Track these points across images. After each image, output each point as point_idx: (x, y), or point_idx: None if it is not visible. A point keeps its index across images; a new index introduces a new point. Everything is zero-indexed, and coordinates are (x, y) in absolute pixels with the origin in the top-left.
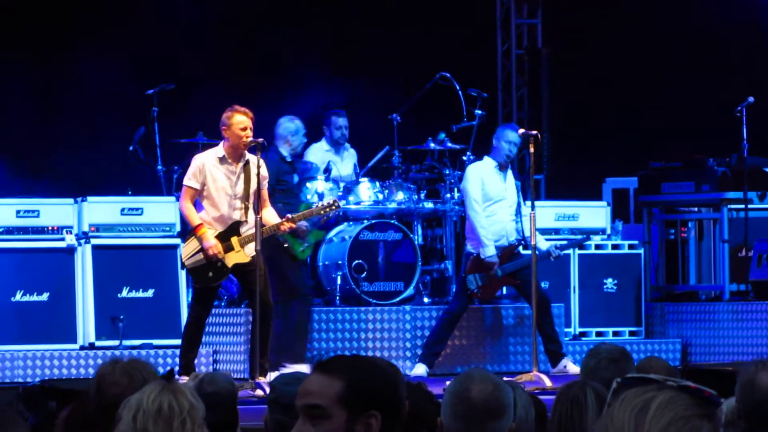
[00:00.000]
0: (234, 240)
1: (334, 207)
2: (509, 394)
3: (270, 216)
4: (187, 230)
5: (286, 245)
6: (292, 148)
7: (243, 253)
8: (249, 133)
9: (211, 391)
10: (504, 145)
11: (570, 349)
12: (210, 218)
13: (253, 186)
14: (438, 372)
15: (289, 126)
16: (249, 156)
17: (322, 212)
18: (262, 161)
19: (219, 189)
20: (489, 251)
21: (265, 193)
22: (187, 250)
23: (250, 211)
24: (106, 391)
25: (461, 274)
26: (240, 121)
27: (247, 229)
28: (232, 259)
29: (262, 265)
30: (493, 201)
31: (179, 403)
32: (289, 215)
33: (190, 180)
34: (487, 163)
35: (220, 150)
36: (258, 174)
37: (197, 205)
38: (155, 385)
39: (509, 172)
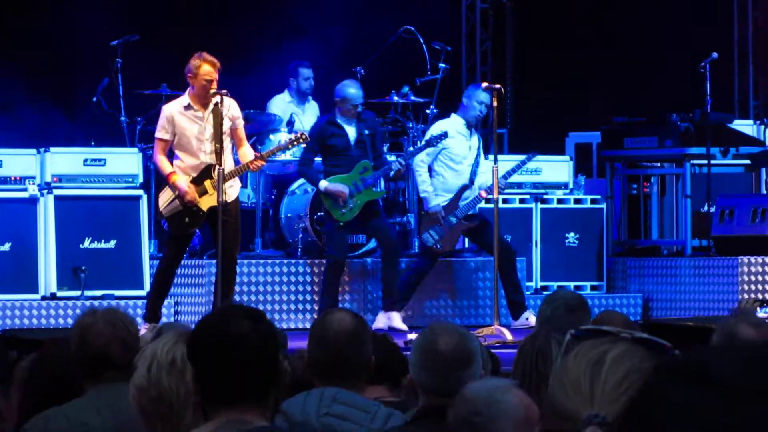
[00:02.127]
0: (207, 183)
1: (301, 139)
2: (475, 342)
3: (248, 153)
4: (157, 184)
5: (325, 206)
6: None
7: (216, 196)
8: (214, 85)
9: None
10: (475, 105)
11: (531, 303)
12: (185, 165)
13: (226, 126)
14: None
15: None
16: (215, 99)
17: (289, 146)
18: (231, 101)
19: (189, 136)
20: (432, 202)
21: (240, 131)
22: (163, 199)
23: (227, 153)
24: (90, 342)
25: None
26: (207, 71)
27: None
28: (206, 203)
29: (236, 214)
30: (457, 160)
31: None
32: (257, 153)
33: (159, 132)
34: (455, 121)
35: (185, 98)
36: (222, 117)
37: (174, 156)
38: (170, 336)
39: (474, 132)
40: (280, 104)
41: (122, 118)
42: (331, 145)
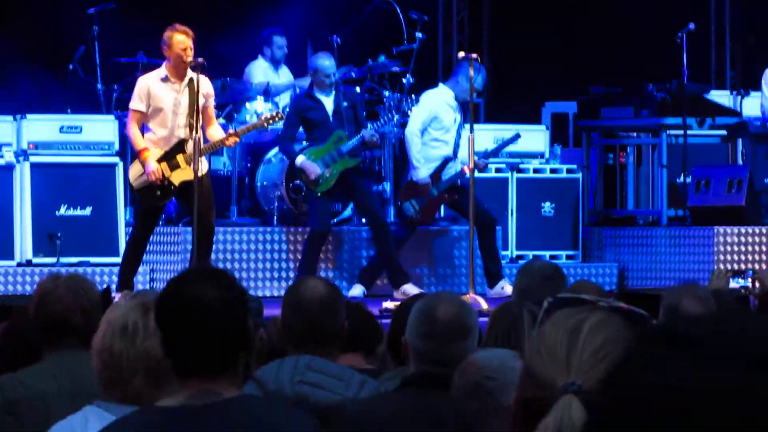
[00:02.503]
0: (180, 158)
1: (277, 118)
2: (475, 316)
3: (216, 132)
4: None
5: (303, 180)
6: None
7: (189, 170)
8: (189, 53)
9: None
10: (463, 82)
11: (507, 272)
12: (157, 138)
13: (198, 103)
14: (375, 293)
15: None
16: (192, 74)
17: (265, 124)
18: (205, 79)
19: (164, 108)
20: (421, 173)
21: (211, 110)
22: (133, 171)
23: (198, 129)
24: (50, 308)
25: (398, 203)
26: (180, 41)
27: (192, 146)
28: (178, 177)
29: (207, 185)
30: (445, 129)
31: (145, 322)
32: (232, 129)
33: (135, 103)
34: (444, 92)
35: (162, 70)
36: (198, 91)
37: (144, 128)
38: (127, 302)
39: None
40: (258, 71)
41: (98, 86)
42: (308, 118)
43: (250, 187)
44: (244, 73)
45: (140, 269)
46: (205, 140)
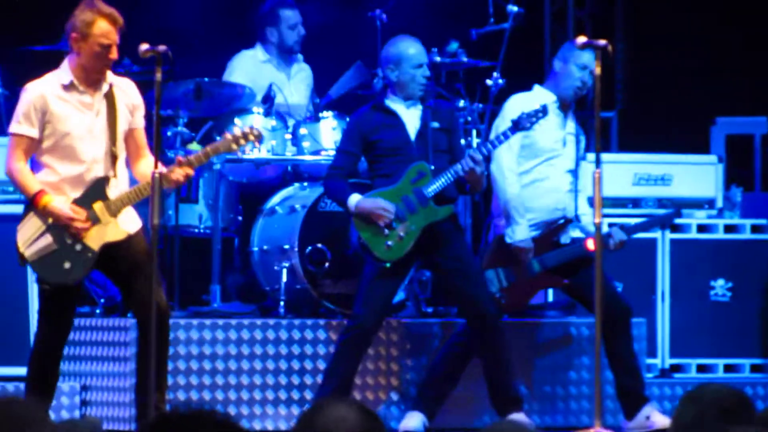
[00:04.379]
0: (99, 207)
1: (251, 137)
2: None
3: (148, 169)
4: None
5: (362, 240)
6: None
7: (116, 226)
8: (114, 52)
9: None
10: (574, 71)
11: (655, 392)
12: (57, 179)
13: (122, 124)
14: (441, 425)
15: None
16: (112, 78)
17: (233, 146)
18: (131, 84)
19: (69, 132)
20: (520, 233)
21: (140, 134)
22: (24, 234)
23: (120, 162)
24: None
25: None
26: (104, 32)
27: (118, 189)
28: (99, 237)
29: (142, 246)
30: (543, 158)
31: None
32: (182, 156)
33: (20, 124)
34: (540, 97)
35: (64, 73)
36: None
37: (34, 165)
38: None
39: (570, 116)
40: (246, 65)
41: None
42: (377, 142)
43: (242, 253)
44: (227, 67)
45: (64, 386)
46: (132, 181)
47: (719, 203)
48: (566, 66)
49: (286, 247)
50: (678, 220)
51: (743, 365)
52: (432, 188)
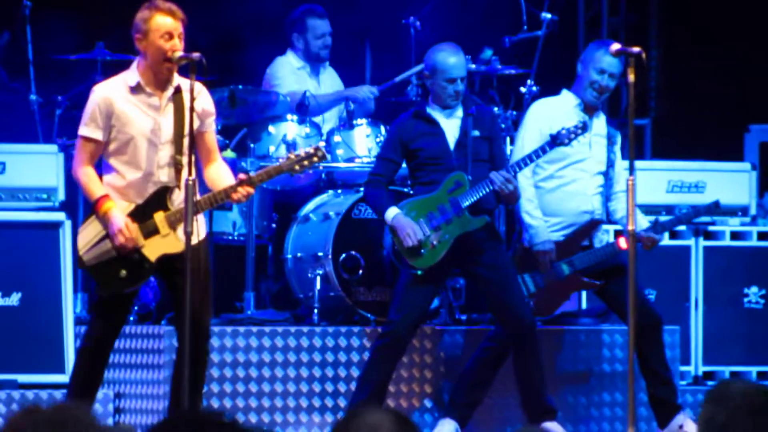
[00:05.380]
0: (160, 217)
1: (315, 159)
2: None
3: (220, 176)
4: (85, 206)
5: (396, 247)
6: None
7: (174, 238)
8: (177, 43)
9: None
10: (593, 75)
11: (689, 399)
12: (125, 183)
13: (194, 125)
14: None
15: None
16: (180, 80)
17: (296, 168)
18: (203, 88)
19: (135, 136)
20: (539, 235)
21: (211, 138)
22: (85, 237)
23: (185, 170)
24: None
25: None
26: (161, 24)
27: (182, 199)
28: (156, 248)
29: (204, 263)
30: (567, 162)
31: None
32: (244, 174)
33: (87, 128)
34: (564, 101)
35: (132, 75)
36: (192, 108)
37: (103, 167)
38: None
39: (600, 117)
40: (285, 70)
41: (32, 97)
42: (417, 150)
43: (276, 260)
44: (265, 77)
45: (99, 394)
46: (203, 188)
47: (753, 210)
48: (585, 69)
49: (320, 254)
50: (711, 228)
51: None
52: (467, 200)
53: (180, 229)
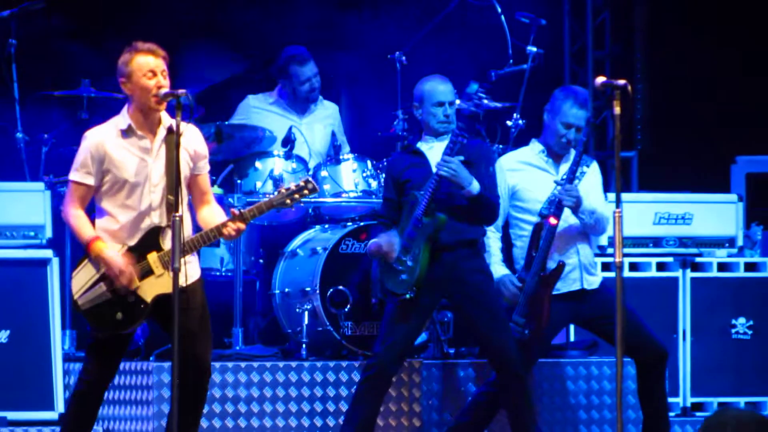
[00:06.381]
0: (153, 258)
1: (306, 192)
2: None
3: (212, 216)
4: (73, 243)
5: (381, 277)
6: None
7: (169, 278)
8: (161, 80)
9: None
10: (560, 129)
11: (677, 431)
12: (116, 227)
13: (182, 170)
14: None
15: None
16: (170, 120)
17: (287, 202)
18: (193, 127)
19: (128, 179)
20: (507, 288)
21: (204, 180)
22: (79, 281)
23: (184, 211)
24: None
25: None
26: (143, 64)
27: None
28: (152, 288)
29: (200, 301)
30: (532, 211)
31: None
32: (236, 209)
33: (79, 173)
34: (527, 152)
35: (122, 119)
36: (178, 144)
37: (98, 211)
38: None
39: (570, 160)
40: (251, 106)
41: (18, 134)
42: (405, 182)
43: (264, 296)
44: (236, 111)
45: None
46: (195, 228)
47: (740, 242)
48: (552, 120)
49: (308, 289)
50: (699, 259)
51: (765, 403)
52: (420, 208)
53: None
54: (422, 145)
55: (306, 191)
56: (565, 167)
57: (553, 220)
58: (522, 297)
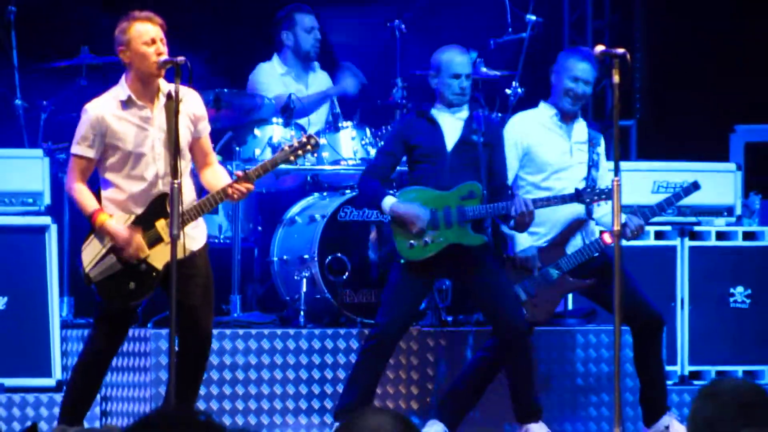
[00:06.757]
0: (161, 225)
1: (309, 147)
2: None
3: (216, 178)
4: (71, 210)
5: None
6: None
7: (178, 244)
8: (161, 47)
9: None
10: (567, 83)
11: (674, 399)
12: (124, 196)
13: (184, 135)
14: None
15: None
16: (168, 87)
17: (291, 158)
18: (193, 94)
19: (131, 150)
20: (521, 243)
21: (205, 142)
22: (88, 254)
23: (185, 177)
24: None
25: None
26: (142, 32)
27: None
28: (162, 256)
29: (205, 268)
30: (549, 172)
31: None
32: (241, 171)
33: (80, 146)
34: (541, 113)
35: (121, 89)
36: (177, 112)
37: (102, 182)
38: None
39: (580, 122)
40: (268, 77)
41: (17, 101)
42: (415, 147)
43: (262, 264)
44: (248, 84)
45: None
46: (199, 191)
47: (738, 211)
48: (559, 78)
49: (306, 256)
50: (697, 228)
51: (763, 372)
52: (475, 213)
53: (184, 234)
54: (438, 114)
55: (309, 146)
56: (578, 127)
57: (607, 239)
58: (540, 281)
